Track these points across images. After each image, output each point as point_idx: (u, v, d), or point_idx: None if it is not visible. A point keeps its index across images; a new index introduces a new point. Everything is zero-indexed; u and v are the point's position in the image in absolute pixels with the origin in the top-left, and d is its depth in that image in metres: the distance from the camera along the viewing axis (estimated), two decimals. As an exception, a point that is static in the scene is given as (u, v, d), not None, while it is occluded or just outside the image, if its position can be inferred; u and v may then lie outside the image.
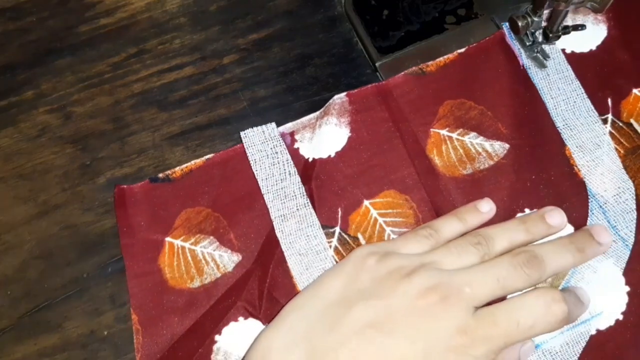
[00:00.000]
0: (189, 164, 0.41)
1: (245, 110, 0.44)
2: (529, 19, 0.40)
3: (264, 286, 0.38)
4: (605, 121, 0.40)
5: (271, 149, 0.41)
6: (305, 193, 0.39)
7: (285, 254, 0.38)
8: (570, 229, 0.38)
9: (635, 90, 0.40)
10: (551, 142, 0.40)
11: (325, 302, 0.33)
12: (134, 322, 0.38)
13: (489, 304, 0.32)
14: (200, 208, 0.40)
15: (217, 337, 0.37)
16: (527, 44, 0.42)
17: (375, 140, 0.41)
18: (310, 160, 0.41)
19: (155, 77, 0.45)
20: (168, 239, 0.39)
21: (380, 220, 0.39)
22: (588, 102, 0.40)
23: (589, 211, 0.38)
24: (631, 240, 0.37)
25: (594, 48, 0.42)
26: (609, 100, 0.40)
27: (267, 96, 0.44)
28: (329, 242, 0.39)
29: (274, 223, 0.39)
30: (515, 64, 0.42)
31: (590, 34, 0.42)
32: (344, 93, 0.42)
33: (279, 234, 0.39)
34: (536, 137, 0.40)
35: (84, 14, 0.46)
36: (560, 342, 0.36)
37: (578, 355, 0.35)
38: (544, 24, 0.40)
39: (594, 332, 0.36)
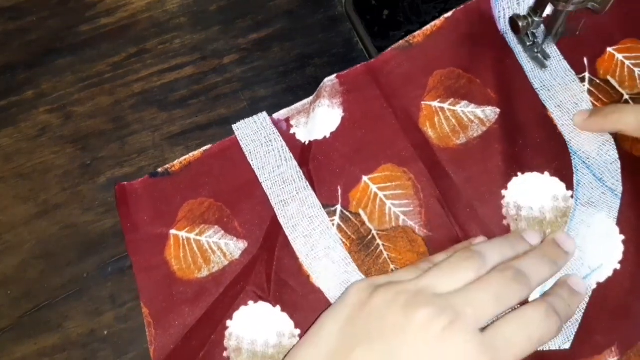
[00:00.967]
0: (187, 156, 0.41)
1: (245, 110, 0.44)
2: (530, 19, 0.40)
3: (271, 270, 0.38)
4: (582, 80, 0.40)
5: (264, 137, 0.41)
6: (303, 176, 0.40)
7: (290, 237, 0.39)
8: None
9: (609, 49, 0.41)
10: (533, 105, 0.41)
11: (325, 349, 0.32)
12: (145, 316, 0.38)
13: None
14: (203, 199, 0.40)
15: (228, 323, 0.38)
16: (528, 44, 0.42)
17: (368, 117, 0.41)
18: (306, 143, 0.41)
19: (155, 77, 0.45)
20: (173, 231, 0.40)
21: (381, 194, 0.39)
22: (564, 62, 0.41)
23: (574, 168, 0.39)
24: (619, 189, 0.38)
25: None
26: (585, 60, 0.41)
27: (267, 96, 0.44)
28: (331, 221, 0.39)
29: (275, 209, 0.39)
30: (495, 29, 0.42)
31: None
32: (334, 75, 0.42)
33: (281, 219, 0.39)
34: (520, 100, 0.41)
35: (84, 13, 0.46)
36: None
37: (582, 312, 0.36)
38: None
39: (594, 286, 0.36)
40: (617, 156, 0.38)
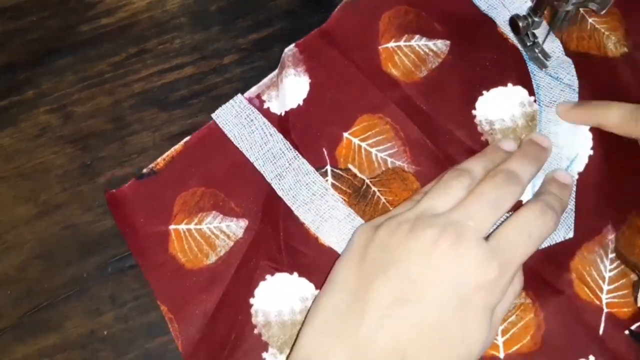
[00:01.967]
0: (169, 152, 0.41)
1: (245, 110, 0.43)
2: (530, 19, 0.40)
3: (280, 240, 0.39)
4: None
5: (245, 118, 0.41)
6: (291, 147, 0.40)
7: (292, 207, 0.39)
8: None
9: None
10: (482, 25, 0.43)
11: (345, 292, 0.33)
12: (164, 313, 0.38)
13: None
14: (194, 189, 0.41)
15: (252, 301, 0.38)
16: (528, 44, 0.42)
17: (334, 77, 0.42)
18: (282, 114, 0.42)
19: (155, 77, 0.45)
20: (172, 226, 0.40)
21: (364, 145, 0.41)
22: None
23: (531, 74, 0.42)
24: (575, 83, 0.41)
25: None
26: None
27: (267, 96, 0.44)
28: (325, 181, 0.40)
29: (272, 184, 0.40)
30: None
31: None
32: (293, 44, 0.43)
33: (280, 192, 0.40)
34: (468, 25, 0.43)
35: (84, 13, 0.46)
36: None
37: (573, 206, 0.38)
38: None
39: (577, 176, 0.39)
40: (567, 56, 0.42)
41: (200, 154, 0.41)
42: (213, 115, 0.41)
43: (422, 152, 0.40)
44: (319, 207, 0.39)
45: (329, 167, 0.41)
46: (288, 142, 0.41)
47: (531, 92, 0.41)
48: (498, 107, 0.41)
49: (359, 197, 0.40)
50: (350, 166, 0.40)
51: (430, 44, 0.43)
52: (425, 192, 0.36)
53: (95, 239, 0.41)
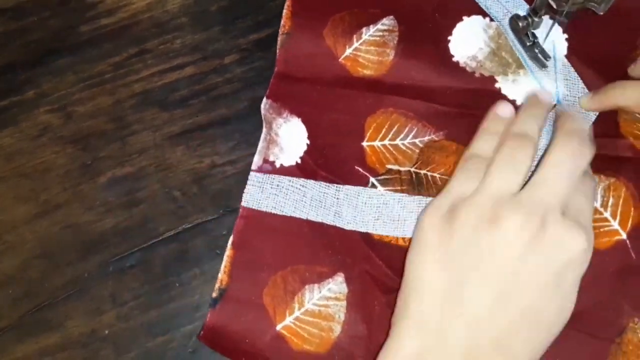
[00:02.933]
0: (223, 264, 0.38)
1: (246, 110, 0.44)
2: (530, 19, 0.40)
3: (382, 268, 0.38)
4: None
5: (272, 188, 0.40)
6: (328, 184, 0.40)
7: (368, 231, 0.39)
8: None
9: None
10: None
11: (436, 296, 0.32)
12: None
13: None
14: (272, 280, 0.38)
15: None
16: (528, 44, 0.42)
17: (319, 106, 0.42)
18: (299, 162, 0.41)
19: (156, 77, 0.45)
20: (279, 326, 0.37)
21: (386, 143, 0.41)
22: None
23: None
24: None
25: None
26: None
27: (268, 96, 0.44)
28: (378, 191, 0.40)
29: (336, 225, 0.39)
30: None
31: None
32: (263, 99, 0.42)
33: (348, 227, 0.39)
34: None
35: (85, 13, 0.46)
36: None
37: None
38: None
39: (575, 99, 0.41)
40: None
41: (253, 246, 0.39)
42: (243, 204, 0.39)
43: (438, 117, 0.41)
44: (390, 214, 0.39)
45: (371, 179, 0.40)
46: (322, 182, 0.40)
47: (484, 15, 0.43)
48: (468, 41, 0.43)
49: (416, 186, 0.40)
50: (388, 166, 0.40)
51: (379, 26, 0.43)
52: (475, 155, 0.36)
53: (95, 239, 0.41)
